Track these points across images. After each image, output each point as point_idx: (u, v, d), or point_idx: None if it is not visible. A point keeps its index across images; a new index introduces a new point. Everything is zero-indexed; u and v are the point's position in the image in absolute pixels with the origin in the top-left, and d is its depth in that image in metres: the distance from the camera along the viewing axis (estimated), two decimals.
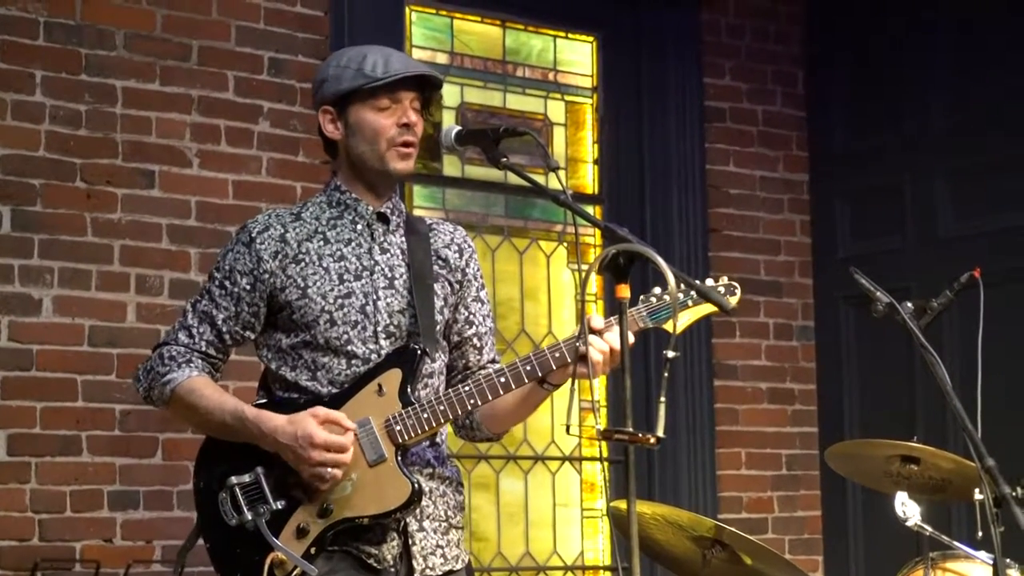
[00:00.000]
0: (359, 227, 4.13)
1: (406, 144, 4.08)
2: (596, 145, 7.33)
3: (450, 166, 6.92)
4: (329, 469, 3.90)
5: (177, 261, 6.02)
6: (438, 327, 4.13)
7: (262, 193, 6.16)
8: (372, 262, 4.10)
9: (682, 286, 3.98)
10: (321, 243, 4.10)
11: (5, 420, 5.67)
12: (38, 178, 5.79)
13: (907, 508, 5.19)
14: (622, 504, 3.80)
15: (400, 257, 4.13)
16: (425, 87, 4.14)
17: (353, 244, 4.11)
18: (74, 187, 5.86)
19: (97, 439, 5.83)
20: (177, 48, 6.10)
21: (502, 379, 4.00)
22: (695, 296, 4.03)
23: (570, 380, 3.92)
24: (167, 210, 6.03)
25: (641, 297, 4.03)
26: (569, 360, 3.94)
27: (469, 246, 4.29)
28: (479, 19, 7.08)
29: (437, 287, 4.15)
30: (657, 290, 4.02)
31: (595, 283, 7.05)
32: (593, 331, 3.95)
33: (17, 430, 5.69)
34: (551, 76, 7.27)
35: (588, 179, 7.30)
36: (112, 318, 5.89)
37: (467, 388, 4.00)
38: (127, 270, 5.93)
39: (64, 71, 5.87)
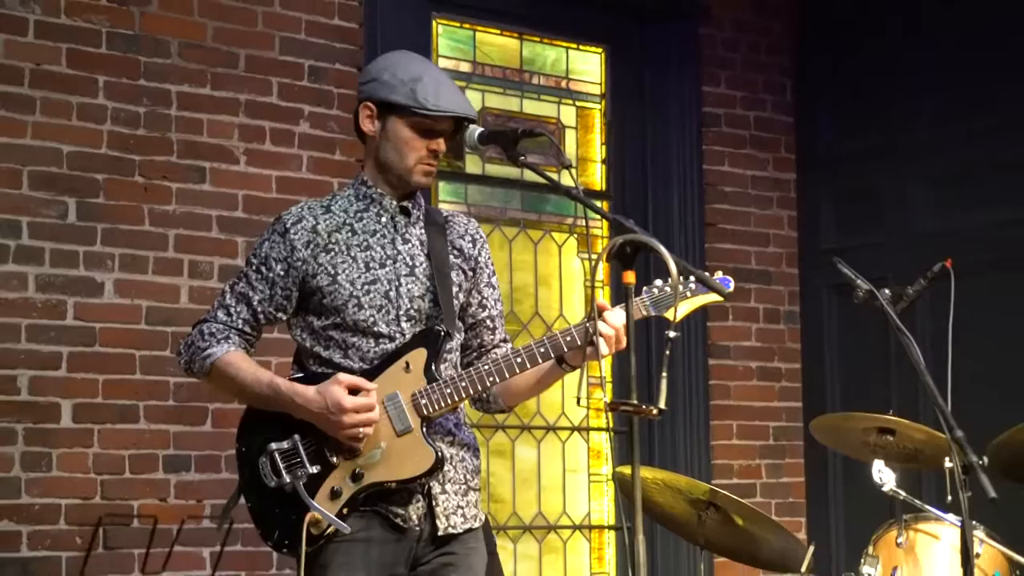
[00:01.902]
0: (383, 220, 4.10)
1: (430, 164, 4.06)
2: (604, 146, 7.31)
3: (472, 164, 6.91)
4: (361, 429, 3.91)
5: (225, 248, 6.02)
6: (456, 310, 4.12)
7: (302, 188, 6.14)
8: (395, 251, 4.08)
9: (681, 278, 3.99)
10: (349, 234, 4.08)
11: (70, 391, 5.67)
12: (101, 173, 5.79)
13: (883, 475, 5.18)
14: (626, 469, 3.80)
15: (420, 247, 4.11)
16: (462, 120, 4.09)
17: (378, 235, 4.09)
18: (133, 181, 5.86)
19: (153, 409, 5.83)
20: (226, 56, 6.09)
21: (519, 359, 3.99)
22: (694, 288, 4.03)
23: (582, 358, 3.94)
24: (217, 203, 6.03)
25: (644, 288, 4.02)
26: (580, 342, 3.94)
27: (481, 237, 4.26)
28: (499, 32, 7.06)
29: (453, 274, 4.13)
30: (659, 282, 4.01)
31: (603, 271, 7.04)
32: (601, 311, 3.94)
33: (81, 400, 5.69)
34: (563, 84, 7.26)
35: (596, 177, 7.28)
36: (167, 299, 5.89)
37: (487, 367, 3.99)
38: (181, 256, 5.93)
39: (124, 77, 5.87)
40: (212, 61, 6.06)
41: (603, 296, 7.02)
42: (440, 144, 4.05)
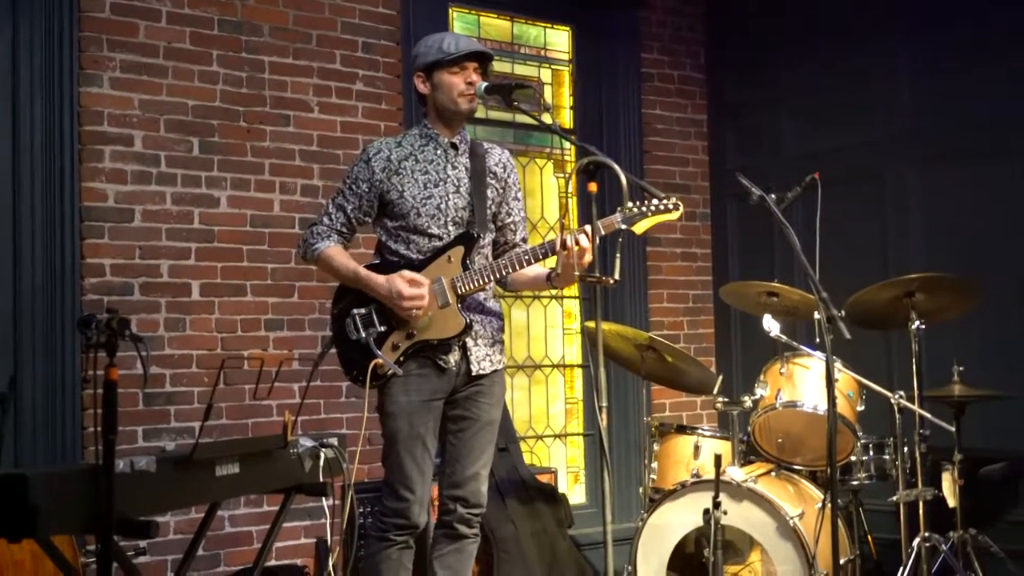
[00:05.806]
0: (438, 152, 4.14)
1: (469, 93, 4.08)
2: (572, 97, 7.27)
3: (479, 111, 6.86)
4: (413, 311, 3.97)
5: (305, 173, 6.00)
6: (488, 218, 4.15)
7: (358, 130, 6.14)
8: (446, 175, 4.12)
9: (646, 200, 3.96)
10: (413, 162, 4.11)
11: (198, 274, 5.69)
12: (216, 120, 5.77)
13: (770, 325, 5.24)
14: (591, 323, 3.83)
15: (464, 172, 4.14)
16: (482, 58, 4.13)
17: (434, 163, 4.12)
18: (238, 125, 5.84)
19: (256, 286, 5.84)
20: (303, 35, 6.05)
21: (525, 256, 4.04)
22: (654, 208, 3.98)
23: (563, 268, 3.91)
24: (298, 140, 6.01)
25: (619, 208, 3.99)
26: (565, 245, 3.90)
27: (511, 163, 4.30)
28: (496, 16, 7.01)
29: (488, 191, 4.16)
30: (629, 204, 3.99)
31: (572, 184, 7.03)
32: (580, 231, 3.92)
33: (206, 280, 5.71)
34: (542, 52, 7.21)
35: (567, 119, 7.25)
36: (264, 209, 5.88)
37: (503, 261, 4.05)
38: (273, 179, 5.92)
39: (230, 51, 5.83)
40: (293, 39, 6.02)
41: (572, 204, 7.04)
42: (471, 75, 4.07)
